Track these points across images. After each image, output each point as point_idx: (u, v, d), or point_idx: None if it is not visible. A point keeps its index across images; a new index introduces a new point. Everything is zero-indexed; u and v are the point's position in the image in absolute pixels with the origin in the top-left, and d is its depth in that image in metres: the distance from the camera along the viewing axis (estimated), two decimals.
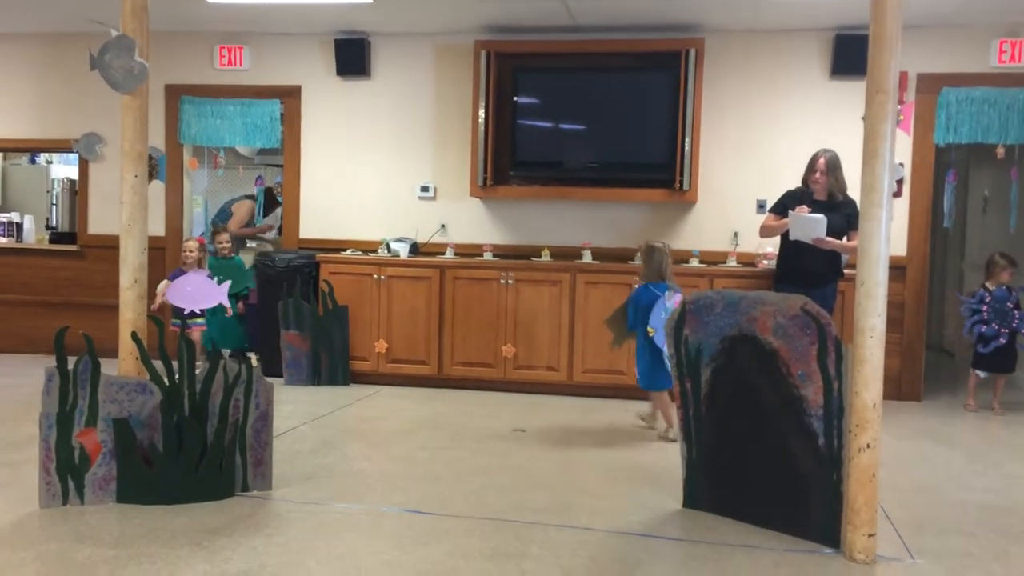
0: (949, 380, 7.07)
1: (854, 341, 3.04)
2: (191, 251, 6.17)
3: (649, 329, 4.73)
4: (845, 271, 5.41)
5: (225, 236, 6.80)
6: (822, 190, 5.29)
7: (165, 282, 5.86)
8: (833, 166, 5.26)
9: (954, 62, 6.04)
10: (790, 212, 5.21)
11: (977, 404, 5.93)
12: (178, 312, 5.74)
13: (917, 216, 6.15)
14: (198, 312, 5.73)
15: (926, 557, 3.11)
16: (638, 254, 5.30)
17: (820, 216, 5.05)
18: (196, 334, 6.04)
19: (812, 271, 5.23)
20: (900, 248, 6.09)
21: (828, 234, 5.08)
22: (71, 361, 3.34)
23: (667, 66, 6.07)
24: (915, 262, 6.16)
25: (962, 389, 6.20)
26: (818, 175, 5.28)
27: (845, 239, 5.18)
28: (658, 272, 4.88)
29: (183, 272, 5.79)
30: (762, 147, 6.30)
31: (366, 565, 2.87)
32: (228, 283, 5.40)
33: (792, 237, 5.24)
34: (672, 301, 4.67)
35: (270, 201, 7.56)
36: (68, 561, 2.84)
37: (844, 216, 5.17)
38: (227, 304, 5.54)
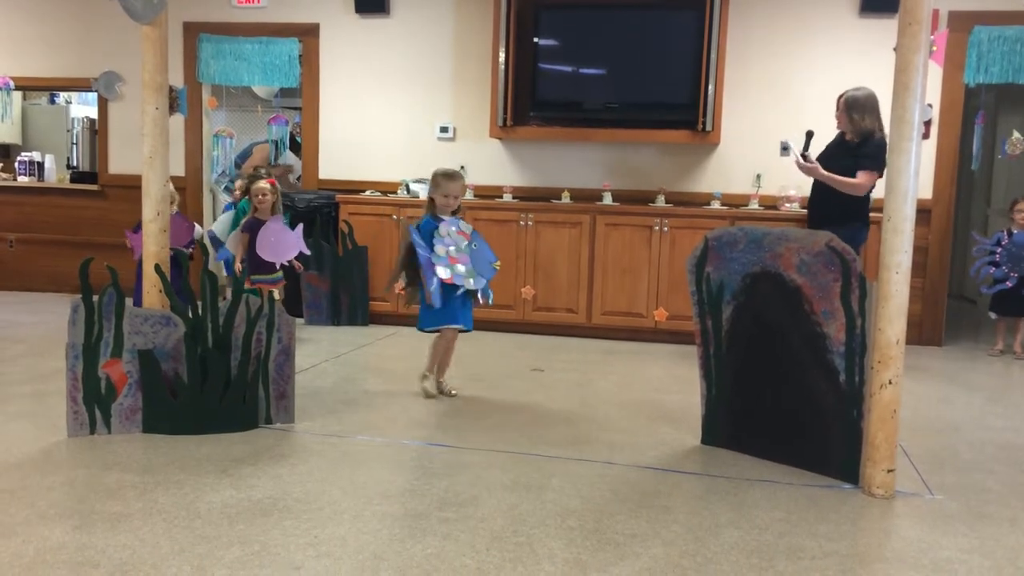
0: (970, 327, 7.02)
1: (879, 277, 3.01)
2: (265, 194, 5.31)
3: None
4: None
5: (240, 183, 6.38)
6: (845, 130, 5.05)
7: (241, 235, 5.26)
8: (851, 105, 4.93)
9: None
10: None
11: (1002, 348, 5.90)
12: (264, 267, 5.16)
13: (944, 158, 6.05)
14: (278, 266, 5.29)
15: (945, 492, 3.11)
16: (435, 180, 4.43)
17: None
18: (277, 291, 5.18)
19: (818, 212, 5.01)
20: (926, 191, 6.01)
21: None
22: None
23: (692, 4, 5.95)
24: (940, 205, 6.08)
25: (983, 335, 6.16)
26: (838, 113, 5.08)
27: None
28: None
29: (258, 221, 5.21)
30: (788, 87, 6.18)
31: (389, 493, 2.91)
32: (301, 227, 5.13)
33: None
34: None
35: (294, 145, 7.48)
36: (97, 486, 2.89)
37: (852, 156, 4.93)
38: (306, 251, 5.27)
